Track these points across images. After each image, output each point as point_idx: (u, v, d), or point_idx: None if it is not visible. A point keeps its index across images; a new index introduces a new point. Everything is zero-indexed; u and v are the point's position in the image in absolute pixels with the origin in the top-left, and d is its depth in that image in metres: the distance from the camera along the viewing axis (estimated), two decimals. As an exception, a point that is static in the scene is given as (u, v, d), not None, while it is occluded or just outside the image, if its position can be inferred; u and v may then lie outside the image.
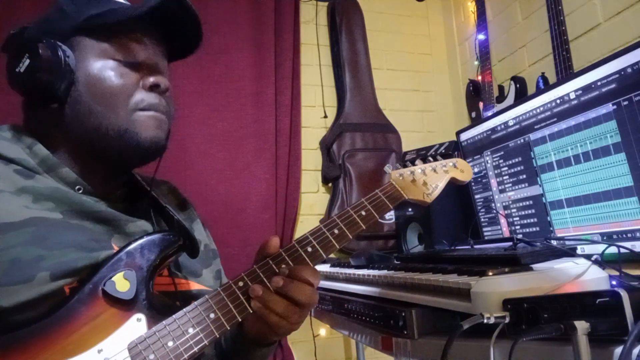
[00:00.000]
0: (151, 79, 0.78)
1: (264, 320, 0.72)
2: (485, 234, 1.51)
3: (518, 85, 2.00)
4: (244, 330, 0.79)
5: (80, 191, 0.75)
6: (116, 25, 0.75)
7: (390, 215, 2.03)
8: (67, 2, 0.77)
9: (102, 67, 0.75)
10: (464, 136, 1.54)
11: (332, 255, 1.32)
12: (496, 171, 1.42)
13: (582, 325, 0.53)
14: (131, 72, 0.77)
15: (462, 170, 0.97)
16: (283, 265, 0.75)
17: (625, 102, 1.00)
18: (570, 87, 1.14)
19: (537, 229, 1.29)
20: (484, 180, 1.48)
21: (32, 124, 0.79)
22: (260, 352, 0.83)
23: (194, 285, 0.84)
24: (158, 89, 0.79)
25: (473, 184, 1.53)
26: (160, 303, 0.70)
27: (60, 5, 0.77)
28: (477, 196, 1.53)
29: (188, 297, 0.81)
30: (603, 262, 0.87)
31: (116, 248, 0.73)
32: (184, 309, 0.69)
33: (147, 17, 0.77)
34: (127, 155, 0.78)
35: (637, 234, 1.01)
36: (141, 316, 0.67)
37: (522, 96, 1.96)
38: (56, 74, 0.72)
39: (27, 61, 0.71)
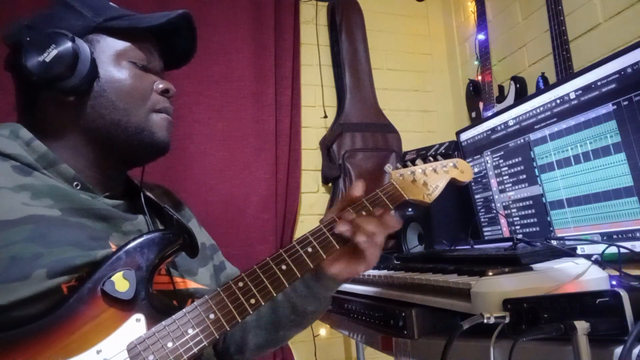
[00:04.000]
0: (163, 84, 0.84)
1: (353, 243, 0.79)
2: (485, 234, 1.51)
3: (518, 85, 2.00)
4: (324, 267, 0.83)
5: (78, 187, 0.76)
6: (135, 30, 0.81)
7: (390, 215, 2.02)
8: (80, 4, 0.80)
9: (122, 66, 0.80)
10: (464, 136, 1.54)
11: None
12: (496, 171, 1.42)
13: (582, 325, 0.53)
14: (146, 76, 0.83)
15: (462, 170, 0.97)
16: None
17: (625, 102, 1.00)
18: (570, 87, 1.13)
19: (537, 229, 1.28)
20: (484, 180, 1.48)
21: (37, 118, 0.79)
22: (334, 284, 0.87)
23: (191, 284, 0.84)
24: (167, 94, 0.85)
25: (473, 184, 1.53)
26: (159, 303, 0.69)
27: (71, 5, 0.79)
28: (477, 196, 1.53)
29: (185, 296, 0.81)
30: (603, 262, 0.87)
31: (113, 247, 0.73)
32: (184, 310, 0.69)
33: (156, 29, 0.83)
34: (140, 151, 0.83)
35: (637, 234, 1.01)
36: (140, 316, 0.66)
37: (522, 96, 1.96)
38: (84, 66, 0.74)
39: (55, 52, 0.73)
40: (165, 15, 0.82)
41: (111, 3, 0.84)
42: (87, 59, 0.75)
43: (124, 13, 0.82)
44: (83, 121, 0.78)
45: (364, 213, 0.83)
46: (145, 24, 0.81)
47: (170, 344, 0.65)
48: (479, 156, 1.48)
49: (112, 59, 0.79)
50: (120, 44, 0.80)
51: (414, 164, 0.94)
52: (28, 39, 0.73)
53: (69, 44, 0.74)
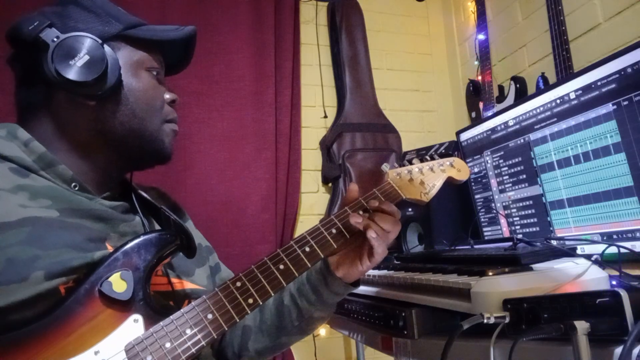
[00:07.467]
0: (171, 95, 0.86)
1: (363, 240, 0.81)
2: (485, 234, 1.51)
3: (518, 85, 1.99)
4: (332, 271, 0.85)
5: (76, 188, 0.76)
6: (152, 41, 0.82)
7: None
8: (95, 6, 0.79)
9: (141, 76, 0.81)
10: (464, 136, 1.54)
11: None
12: (496, 171, 1.41)
13: (582, 325, 0.52)
14: (159, 86, 0.84)
15: (459, 169, 0.97)
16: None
17: (625, 102, 0.99)
18: (570, 87, 1.13)
19: (537, 229, 1.28)
20: (484, 180, 1.47)
21: (47, 117, 0.77)
22: (344, 289, 0.88)
23: (188, 285, 0.84)
24: (174, 104, 0.87)
25: (473, 184, 1.53)
26: (157, 303, 0.69)
27: (85, 6, 0.78)
28: (477, 196, 1.53)
29: (182, 297, 0.81)
30: (603, 262, 0.87)
31: (110, 248, 0.73)
32: (182, 310, 0.68)
33: (170, 42, 0.85)
34: (149, 158, 0.84)
35: (637, 234, 1.00)
36: (138, 317, 0.66)
37: (522, 96, 1.96)
38: (112, 74, 0.75)
39: (87, 57, 0.73)
40: (180, 30, 0.85)
41: (119, 7, 0.83)
42: (115, 66, 0.76)
43: (135, 20, 0.82)
44: (100, 125, 0.78)
45: (361, 212, 0.84)
46: (164, 37, 0.83)
47: (168, 345, 0.65)
48: (479, 156, 1.48)
49: (132, 68, 0.80)
50: (138, 53, 0.81)
51: (411, 163, 0.94)
52: (55, 39, 0.72)
53: (100, 50, 0.74)
